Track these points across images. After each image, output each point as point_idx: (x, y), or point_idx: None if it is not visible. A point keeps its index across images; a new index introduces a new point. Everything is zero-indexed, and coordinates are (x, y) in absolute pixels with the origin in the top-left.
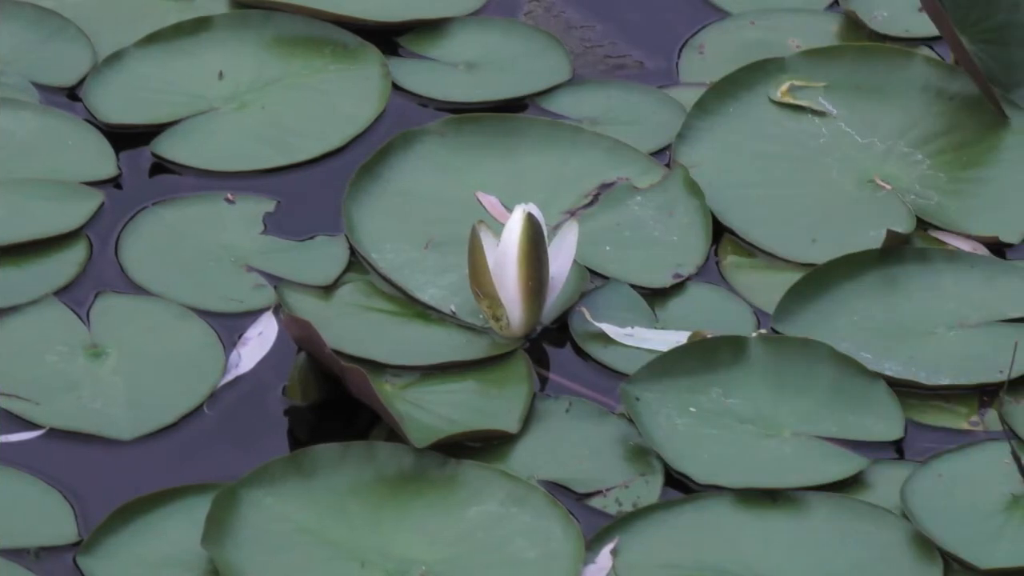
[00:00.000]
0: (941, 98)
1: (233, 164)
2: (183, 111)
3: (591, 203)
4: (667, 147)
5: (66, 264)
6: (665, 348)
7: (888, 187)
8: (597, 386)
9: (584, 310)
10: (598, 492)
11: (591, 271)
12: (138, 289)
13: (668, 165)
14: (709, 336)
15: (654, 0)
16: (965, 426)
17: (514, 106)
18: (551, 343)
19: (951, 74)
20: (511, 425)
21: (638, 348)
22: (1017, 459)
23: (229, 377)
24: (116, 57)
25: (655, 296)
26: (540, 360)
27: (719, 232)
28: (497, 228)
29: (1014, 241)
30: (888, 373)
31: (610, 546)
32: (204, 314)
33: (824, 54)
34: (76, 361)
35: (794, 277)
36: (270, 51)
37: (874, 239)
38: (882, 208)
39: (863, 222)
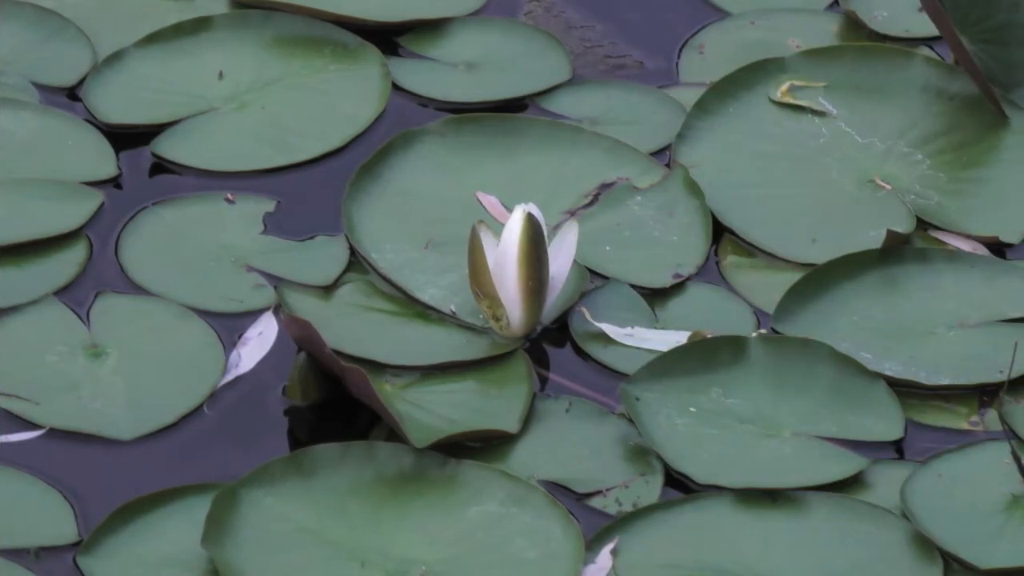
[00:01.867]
0: (941, 98)
1: (233, 164)
2: (183, 111)
3: (591, 203)
4: (667, 147)
5: (66, 264)
6: (665, 348)
7: (888, 187)
8: (597, 386)
9: (584, 310)
10: (598, 492)
11: (591, 271)
12: (138, 289)
13: (668, 165)
14: (709, 336)
15: (654, 0)
16: (965, 426)
17: (514, 106)
18: (551, 343)
19: (951, 74)
20: (511, 425)
21: (638, 348)
22: (1017, 459)
23: (229, 377)
24: (116, 57)
25: (655, 296)
26: (540, 360)
27: (719, 232)
28: (497, 228)
29: (1014, 241)
30: (888, 373)
31: (610, 546)
32: (204, 314)
33: (824, 54)
34: (76, 361)
35: (794, 277)
36: (270, 51)
37: (874, 239)
38: (882, 208)
39: (863, 222)
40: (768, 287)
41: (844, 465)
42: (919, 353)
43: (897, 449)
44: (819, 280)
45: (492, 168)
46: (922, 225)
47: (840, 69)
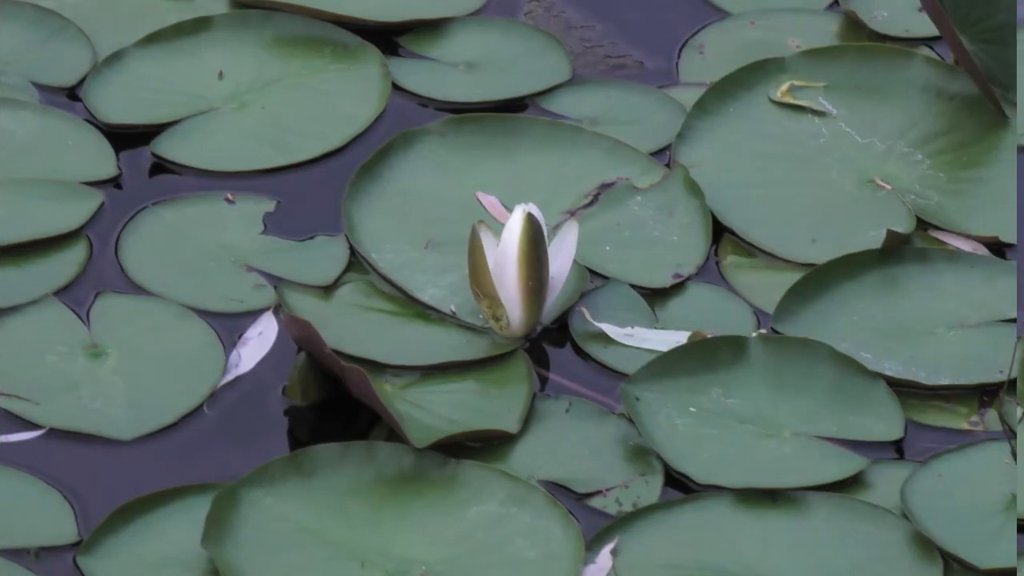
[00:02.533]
0: (941, 98)
1: (233, 164)
2: (183, 111)
3: (591, 203)
4: (667, 147)
5: (66, 264)
6: (665, 348)
7: (888, 187)
8: (597, 386)
9: (584, 310)
10: (598, 492)
11: (591, 271)
12: (138, 289)
13: (668, 165)
14: (709, 336)
15: (654, 0)
16: (965, 426)
17: (514, 106)
18: (551, 343)
19: (951, 74)
20: (511, 425)
21: (638, 348)
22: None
23: (229, 377)
24: (116, 57)
25: (655, 296)
26: (540, 360)
27: (719, 232)
28: (497, 228)
29: (1014, 241)
30: (888, 373)
31: (610, 546)
32: (204, 314)
33: (824, 54)
34: (76, 361)
35: (794, 277)
36: (270, 51)
37: (874, 239)
38: (882, 208)
39: (863, 222)
40: (768, 287)
41: (844, 465)
42: (919, 353)
43: (897, 449)
44: (819, 280)
45: (492, 168)
46: (922, 225)
47: (840, 69)
